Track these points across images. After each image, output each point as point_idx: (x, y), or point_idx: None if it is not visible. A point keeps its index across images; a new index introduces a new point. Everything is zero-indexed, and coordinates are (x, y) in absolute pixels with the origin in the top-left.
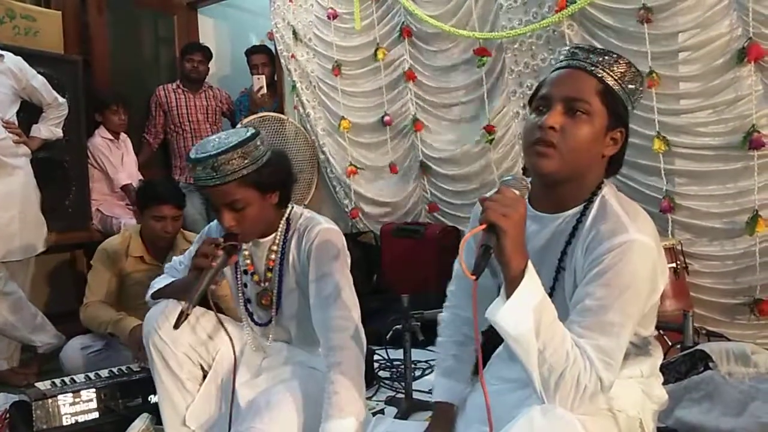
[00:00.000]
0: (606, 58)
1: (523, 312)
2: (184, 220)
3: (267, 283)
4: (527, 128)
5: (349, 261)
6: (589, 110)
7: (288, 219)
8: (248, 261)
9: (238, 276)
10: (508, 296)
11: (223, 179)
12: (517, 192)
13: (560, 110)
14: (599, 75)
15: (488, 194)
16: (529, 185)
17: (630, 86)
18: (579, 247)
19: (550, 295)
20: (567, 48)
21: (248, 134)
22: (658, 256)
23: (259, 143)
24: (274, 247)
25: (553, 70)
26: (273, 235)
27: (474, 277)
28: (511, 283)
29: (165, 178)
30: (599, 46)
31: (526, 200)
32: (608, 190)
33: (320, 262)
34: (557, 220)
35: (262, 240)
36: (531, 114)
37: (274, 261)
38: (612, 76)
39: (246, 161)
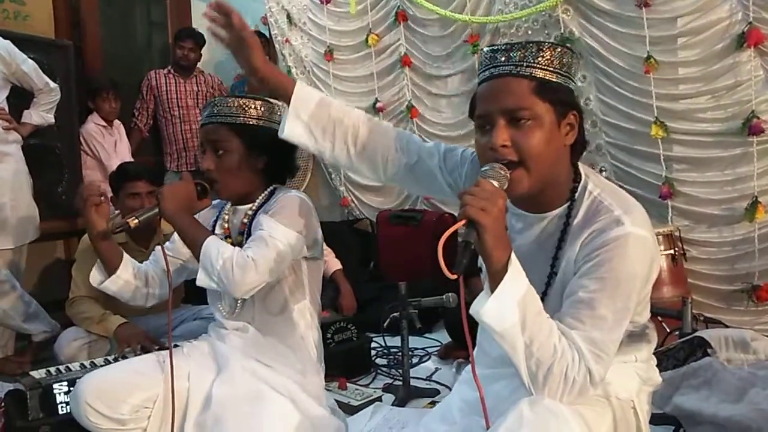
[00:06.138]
0: (528, 51)
1: (507, 306)
2: None
3: (238, 247)
4: (479, 150)
5: (303, 224)
6: (532, 114)
7: (272, 192)
8: (226, 225)
9: None
10: (492, 291)
11: (215, 118)
12: (495, 183)
13: (504, 124)
14: (527, 73)
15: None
16: (509, 174)
17: (564, 67)
18: (570, 249)
19: (542, 299)
20: (484, 53)
21: (261, 97)
22: (654, 248)
23: (263, 109)
24: (249, 212)
25: (480, 82)
26: (252, 204)
27: (455, 276)
28: (494, 278)
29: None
30: (594, 30)
31: (505, 191)
32: (593, 185)
33: (274, 211)
34: (543, 221)
35: (240, 207)
36: (477, 133)
37: (246, 224)
38: (541, 68)
39: (241, 111)
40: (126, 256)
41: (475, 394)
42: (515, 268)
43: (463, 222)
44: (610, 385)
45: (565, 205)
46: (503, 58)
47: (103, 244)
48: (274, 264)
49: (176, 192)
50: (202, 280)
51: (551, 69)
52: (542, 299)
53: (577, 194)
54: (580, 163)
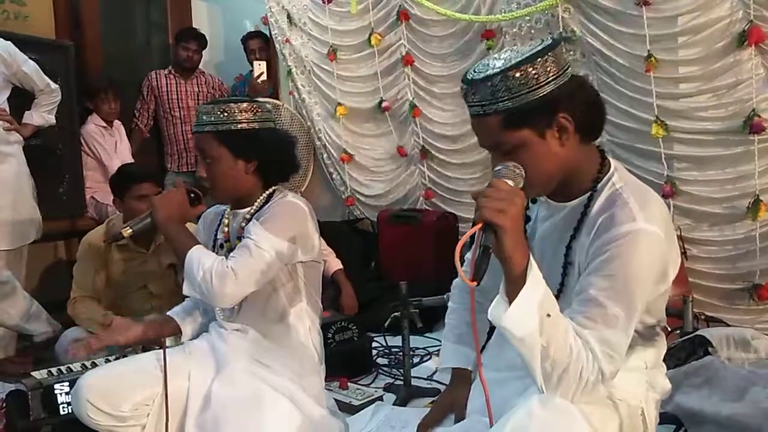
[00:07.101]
0: (487, 89)
1: (527, 312)
2: None
3: (221, 257)
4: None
5: (295, 230)
6: (512, 144)
7: (270, 195)
8: (226, 229)
9: (215, 251)
10: (509, 295)
11: (201, 127)
12: (510, 182)
13: (496, 155)
14: (492, 110)
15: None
16: (523, 172)
17: (533, 80)
18: (584, 238)
19: (560, 291)
20: (461, 81)
21: (250, 99)
22: (667, 246)
23: (250, 111)
24: (247, 216)
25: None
26: (250, 207)
27: (475, 284)
28: (514, 284)
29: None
30: (594, 29)
31: (521, 189)
32: (618, 177)
33: (264, 217)
34: (564, 210)
35: (239, 211)
36: None
37: (244, 229)
38: (504, 100)
39: (226, 117)
40: (173, 314)
41: (480, 395)
42: (534, 272)
43: (480, 225)
44: (616, 388)
45: (586, 195)
46: (470, 98)
47: (159, 334)
48: (258, 274)
49: (168, 201)
50: (186, 290)
51: (516, 95)
52: (560, 290)
53: (599, 185)
54: (611, 158)
